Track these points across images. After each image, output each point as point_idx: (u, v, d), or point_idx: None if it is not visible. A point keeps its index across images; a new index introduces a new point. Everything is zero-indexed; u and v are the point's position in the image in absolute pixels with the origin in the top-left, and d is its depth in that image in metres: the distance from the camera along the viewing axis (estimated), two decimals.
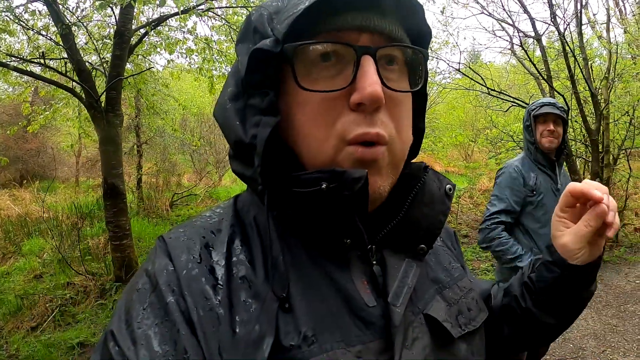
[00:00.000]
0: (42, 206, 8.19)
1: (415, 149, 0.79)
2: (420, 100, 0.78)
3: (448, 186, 0.75)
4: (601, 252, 0.81)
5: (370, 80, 0.60)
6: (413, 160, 0.80)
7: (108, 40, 6.33)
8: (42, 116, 7.12)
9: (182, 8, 5.60)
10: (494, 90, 7.99)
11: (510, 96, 8.35)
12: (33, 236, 8.11)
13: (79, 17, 5.59)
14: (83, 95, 5.22)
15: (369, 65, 0.61)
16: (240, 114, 0.68)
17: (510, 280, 0.95)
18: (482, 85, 7.95)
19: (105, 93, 5.27)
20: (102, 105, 5.29)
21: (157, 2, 4.48)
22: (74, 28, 5.15)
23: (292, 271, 0.64)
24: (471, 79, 8.34)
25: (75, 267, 6.16)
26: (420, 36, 0.73)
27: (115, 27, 5.39)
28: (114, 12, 5.54)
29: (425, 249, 0.73)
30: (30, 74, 5.20)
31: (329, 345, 0.59)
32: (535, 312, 0.87)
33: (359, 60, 0.62)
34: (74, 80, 5.31)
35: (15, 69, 4.87)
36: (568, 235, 0.80)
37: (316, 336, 0.60)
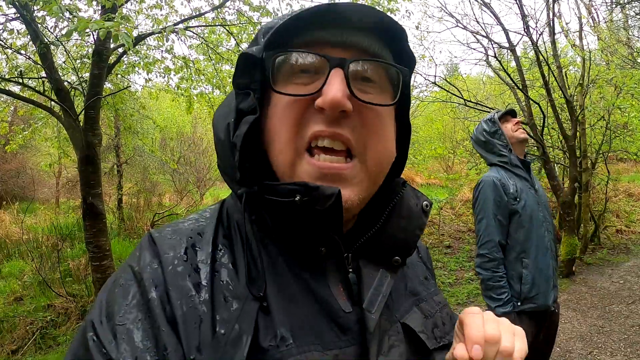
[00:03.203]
0: (22, 228, 8.04)
1: (398, 168, 0.82)
2: (405, 130, 0.81)
3: (425, 203, 0.78)
4: None
5: (333, 88, 0.64)
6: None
7: (86, 60, 6.29)
8: (20, 136, 7.02)
9: (159, 27, 5.62)
10: (470, 101, 8.12)
11: (486, 106, 8.48)
12: (13, 258, 8.00)
13: (58, 36, 5.56)
14: (61, 115, 5.17)
15: (337, 75, 0.65)
16: (235, 113, 0.71)
17: None
18: (459, 97, 8.08)
19: (83, 112, 5.22)
20: (81, 124, 5.24)
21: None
22: (52, 47, 5.12)
23: (270, 276, 0.66)
24: (447, 91, 8.47)
25: (55, 289, 6.05)
26: (408, 62, 0.76)
27: (93, 46, 5.37)
28: (92, 32, 5.52)
29: (399, 261, 0.75)
30: (9, 92, 5.13)
31: (306, 347, 0.61)
32: None
33: (330, 70, 0.65)
34: (52, 100, 5.25)
35: None
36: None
37: (293, 338, 0.61)
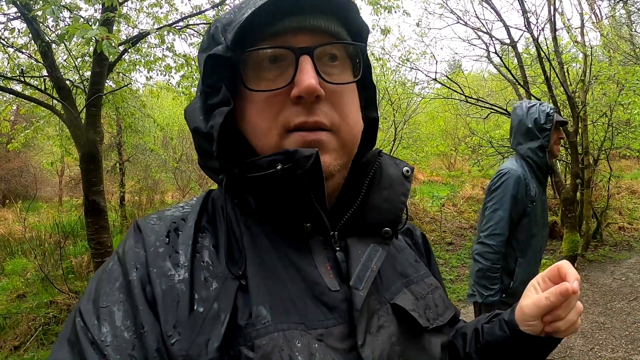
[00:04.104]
0: (25, 226, 8.08)
1: (371, 139, 0.85)
2: (370, 92, 0.84)
3: (405, 168, 0.78)
4: (550, 334, 0.80)
5: (306, 76, 0.66)
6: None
7: (88, 58, 6.31)
8: (22, 134, 7.06)
9: (159, 25, 5.63)
10: (472, 97, 8.10)
11: (488, 103, 8.46)
12: (16, 256, 8.02)
13: (58, 35, 5.57)
14: (63, 113, 5.18)
15: (306, 64, 0.67)
16: (203, 112, 0.74)
17: (468, 322, 0.96)
18: (460, 93, 8.06)
19: (85, 110, 5.24)
20: (83, 122, 5.26)
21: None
22: (53, 45, 5.13)
23: (252, 255, 0.67)
24: (449, 88, 8.45)
25: (58, 286, 6.08)
26: (360, 32, 0.79)
27: (94, 44, 5.38)
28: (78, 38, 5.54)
29: (390, 232, 0.75)
30: (11, 91, 5.16)
31: (285, 325, 0.62)
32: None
33: (298, 60, 0.68)
34: (54, 98, 5.27)
35: None
36: (529, 300, 0.80)
37: (272, 316, 0.62)
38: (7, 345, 4.88)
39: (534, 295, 0.80)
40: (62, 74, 5.42)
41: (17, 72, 5.53)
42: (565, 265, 0.78)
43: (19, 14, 4.59)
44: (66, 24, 5.42)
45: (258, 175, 0.67)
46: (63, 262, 6.60)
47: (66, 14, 4.83)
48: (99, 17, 5.12)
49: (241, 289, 0.63)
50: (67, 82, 5.59)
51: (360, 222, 0.75)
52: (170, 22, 6.17)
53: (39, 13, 4.59)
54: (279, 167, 0.65)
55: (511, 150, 8.96)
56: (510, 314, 0.83)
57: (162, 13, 6.56)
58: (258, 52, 0.69)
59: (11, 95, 6.33)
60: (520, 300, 0.83)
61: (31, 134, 7.10)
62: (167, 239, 0.67)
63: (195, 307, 0.60)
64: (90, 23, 5.36)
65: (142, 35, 5.55)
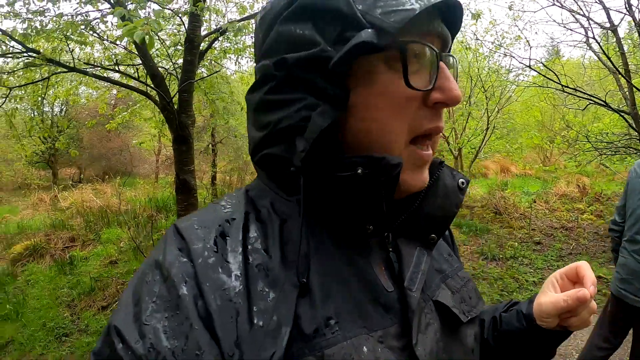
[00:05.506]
0: (121, 199, 8.72)
1: None
2: None
3: (461, 180, 0.79)
4: (563, 327, 0.86)
5: (454, 85, 0.66)
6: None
7: (180, 47, 6.74)
8: (120, 116, 7.73)
9: (244, 15, 5.90)
10: (569, 87, 7.54)
11: (586, 93, 7.83)
12: (112, 226, 8.66)
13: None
14: (157, 98, 5.60)
15: (447, 71, 0.67)
16: (288, 94, 0.66)
17: (485, 309, 0.99)
18: (557, 82, 7.53)
19: (177, 95, 5.61)
20: (175, 107, 5.65)
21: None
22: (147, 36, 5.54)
23: (315, 257, 0.65)
24: (544, 76, 7.94)
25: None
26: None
27: (185, 34, 5.73)
28: (182, 22, 5.94)
29: (435, 239, 0.77)
30: (107, 79, 5.67)
31: (352, 332, 0.61)
32: (492, 346, 0.94)
33: (438, 64, 0.66)
34: (148, 85, 5.70)
35: (94, 76, 5.37)
36: (548, 298, 0.85)
37: (339, 323, 0.60)
38: (96, 304, 5.45)
39: (553, 295, 0.85)
40: (155, 62, 5.86)
41: (113, 61, 6.05)
42: (584, 267, 0.84)
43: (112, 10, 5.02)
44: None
45: (337, 176, 0.63)
46: (154, 234, 7.11)
47: (155, 6, 5.13)
48: (187, 8, 5.46)
49: (302, 295, 0.60)
50: (160, 69, 6.02)
51: (411, 225, 0.76)
52: (255, 12, 6.41)
53: (132, 6, 4.99)
54: (359, 170, 0.62)
55: (609, 146, 8.23)
56: (528, 307, 0.89)
57: (247, 2, 6.81)
58: (416, 48, 0.64)
59: (108, 83, 6.90)
60: (538, 295, 0.88)
61: (128, 116, 7.76)
62: (216, 247, 0.62)
63: (255, 321, 0.56)
64: (179, 15, 5.76)
65: (224, 29, 5.82)
